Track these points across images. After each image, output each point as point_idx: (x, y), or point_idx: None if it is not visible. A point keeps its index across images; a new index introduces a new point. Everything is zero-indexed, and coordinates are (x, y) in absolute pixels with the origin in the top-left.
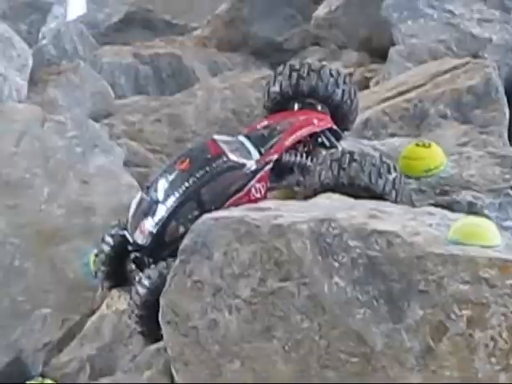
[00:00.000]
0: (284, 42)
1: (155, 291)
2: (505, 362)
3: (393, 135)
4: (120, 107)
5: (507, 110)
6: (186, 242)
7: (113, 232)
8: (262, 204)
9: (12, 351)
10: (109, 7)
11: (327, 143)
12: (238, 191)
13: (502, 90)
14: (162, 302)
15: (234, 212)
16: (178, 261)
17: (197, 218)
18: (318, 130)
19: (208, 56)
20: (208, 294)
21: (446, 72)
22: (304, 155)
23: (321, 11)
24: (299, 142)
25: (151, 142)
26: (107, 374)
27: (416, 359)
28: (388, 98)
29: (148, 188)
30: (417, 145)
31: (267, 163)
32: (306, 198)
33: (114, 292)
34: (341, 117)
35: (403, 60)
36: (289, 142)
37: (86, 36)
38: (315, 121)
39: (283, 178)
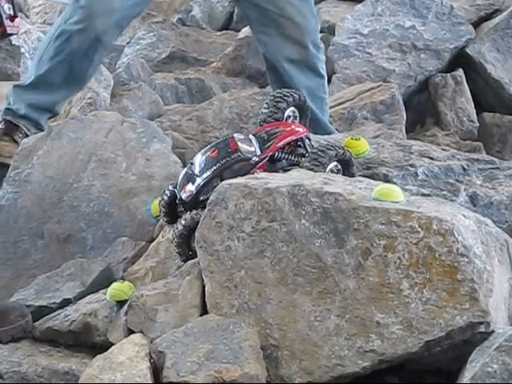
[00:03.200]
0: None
1: (187, 227)
2: (406, 272)
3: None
4: (166, 111)
5: (404, 114)
6: (211, 198)
7: (170, 187)
8: (258, 175)
9: (104, 263)
10: (159, 49)
11: (302, 145)
12: (245, 173)
13: (401, 101)
14: (196, 234)
15: (241, 180)
16: (206, 210)
17: None
18: (299, 136)
19: (220, 79)
20: (225, 229)
21: (367, 91)
22: (288, 152)
23: None
24: (287, 143)
25: (186, 132)
26: (162, 278)
27: (352, 270)
28: (332, 107)
29: (191, 164)
30: (351, 138)
31: (265, 157)
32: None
33: (166, 227)
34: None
35: (340, 83)
36: (280, 144)
37: (146, 67)
38: (299, 129)
39: (276, 165)
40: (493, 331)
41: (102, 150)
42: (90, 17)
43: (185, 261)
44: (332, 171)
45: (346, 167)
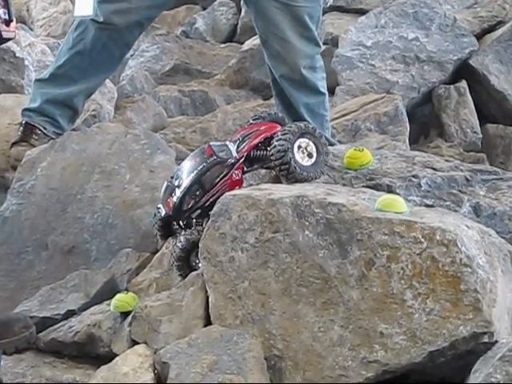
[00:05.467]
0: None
1: (184, 249)
2: (409, 282)
3: (339, 142)
4: (170, 123)
5: (408, 126)
6: (215, 209)
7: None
8: (261, 186)
9: (108, 274)
10: (162, 61)
11: None
12: (224, 176)
13: (405, 113)
14: (200, 245)
15: (244, 191)
16: (210, 221)
17: (200, 194)
18: (272, 133)
19: (224, 92)
20: (228, 240)
21: (370, 102)
22: (264, 149)
23: None
24: (262, 141)
25: (190, 144)
26: (166, 289)
27: (355, 281)
28: (335, 118)
29: (171, 177)
30: (354, 149)
31: (241, 157)
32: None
33: (170, 238)
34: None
35: (344, 95)
36: (254, 142)
37: (149, 79)
38: (272, 127)
39: (254, 164)
40: (496, 341)
41: (106, 162)
42: (107, 12)
43: None
44: (300, 147)
45: (317, 142)
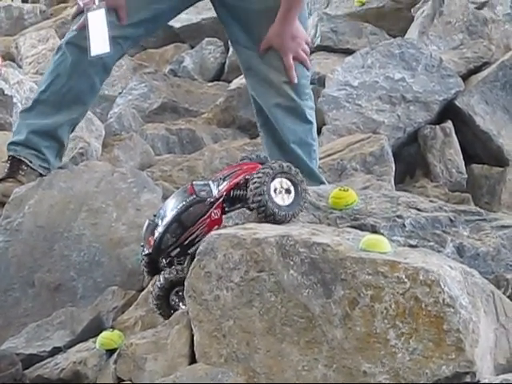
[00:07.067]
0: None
1: (163, 288)
2: (393, 322)
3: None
4: (157, 161)
5: (393, 166)
6: (200, 247)
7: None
8: (246, 225)
9: (94, 312)
10: (150, 99)
11: None
12: (203, 215)
13: (390, 153)
14: (186, 283)
15: (229, 230)
16: (195, 259)
17: (179, 233)
18: (250, 174)
19: (211, 130)
20: (214, 279)
21: (356, 142)
22: (245, 189)
23: None
24: (243, 181)
25: (177, 182)
26: (152, 326)
27: (339, 320)
28: (321, 158)
29: (154, 216)
30: (339, 189)
31: (220, 197)
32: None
33: (156, 276)
34: None
35: (330, 134)
36: (234, 182)
37: (137, 117)
38: (254, 167)
39: (235, 204)
40: (478, 381)
41: (93, 200)
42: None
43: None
44: (276, 188)
45: (294, 180)
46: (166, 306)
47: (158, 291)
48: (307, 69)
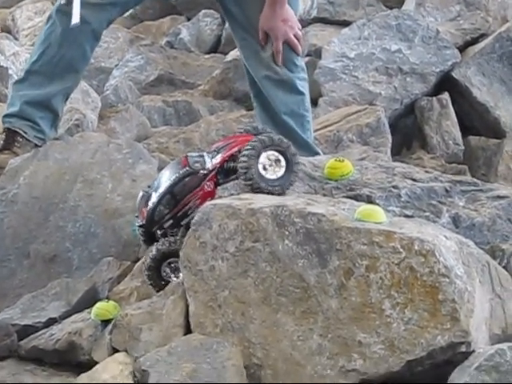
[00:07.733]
0: None
1: (155, 259)
2: (388, 292)
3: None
4: (154, 133)
5: (390, 137)
6: (196, 218)
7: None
8: (242, 196)
9: (89, 283)
10: (147, 71)
11: None
12: (196, 187)
13: (387, 124)
14: (181, 254)
15: (225, 200)
16: (191, 229)
17: (172, 204)
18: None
19: (208, 102)
20: (209, 249)
21: (353, 114)
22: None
23: None
24: (236, 153)
25: (173, 154)
26: (147, 297)
27: (334, 290)
28: (318, 129)
29: (148, 187)
30: (335, 160)
31: (213, 169)
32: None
33: (151, 247)
34: None
35: (327, 106)
36: (227, 154)
37: (134, 89)
38: (247, 139)
39: (229, 176)
40: (473, 351)
41: (88, 171)
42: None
43: (158, 291)
44: (269, 159)
45: (285, 153)
46: (157, 277)
47: (150, 262)
48: (297, 54)
